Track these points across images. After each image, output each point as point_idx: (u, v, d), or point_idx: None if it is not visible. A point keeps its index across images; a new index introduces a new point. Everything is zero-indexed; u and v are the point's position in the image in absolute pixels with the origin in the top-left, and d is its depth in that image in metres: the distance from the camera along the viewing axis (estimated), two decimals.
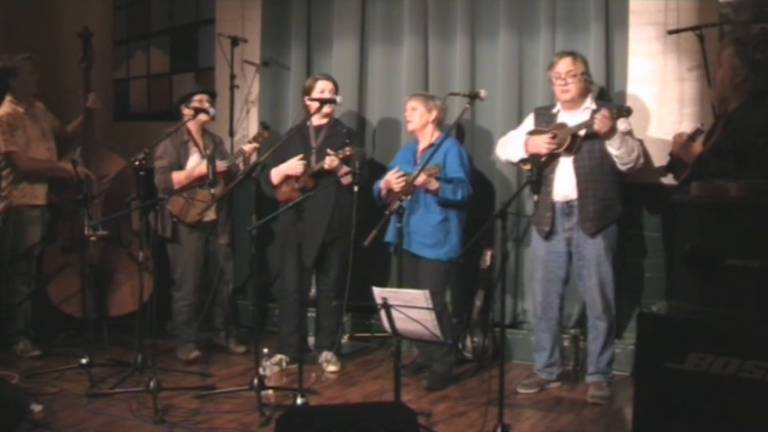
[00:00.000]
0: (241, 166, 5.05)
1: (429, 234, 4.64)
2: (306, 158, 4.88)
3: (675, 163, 4.51)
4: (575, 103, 4.46)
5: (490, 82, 5.12)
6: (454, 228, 4.66)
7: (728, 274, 2.79)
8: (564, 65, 4.42)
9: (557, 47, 4.96)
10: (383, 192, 4.75)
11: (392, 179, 4.63)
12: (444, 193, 4.55)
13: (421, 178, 4.38)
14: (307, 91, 4.99)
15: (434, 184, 4.51)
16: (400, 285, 4.14)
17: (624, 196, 4.54)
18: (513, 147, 4.61)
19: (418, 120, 4.77)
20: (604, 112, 4.23)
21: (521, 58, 5.15)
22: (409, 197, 4.23)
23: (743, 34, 4.37)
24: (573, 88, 4.41)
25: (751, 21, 4.49)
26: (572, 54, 4.47)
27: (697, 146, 4.05)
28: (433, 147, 4.53)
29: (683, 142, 4.32)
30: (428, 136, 4.77)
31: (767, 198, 2.90)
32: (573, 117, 4.44)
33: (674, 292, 3.04)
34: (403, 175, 4.57)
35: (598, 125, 4.24)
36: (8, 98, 5.19)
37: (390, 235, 4.69)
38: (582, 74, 4.43)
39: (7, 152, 5.08)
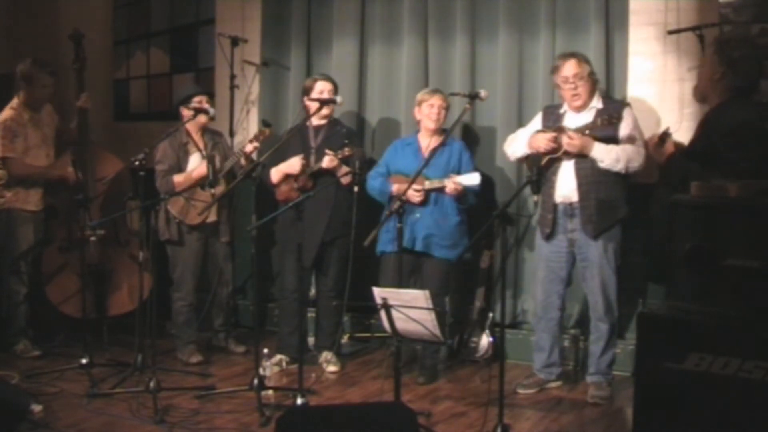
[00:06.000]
0: (243, 162, 5.05)
1: (448, 236, 4.68)
2: (305, 158, 4.89)
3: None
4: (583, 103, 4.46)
5: (490, 82, 5.12)
6: (466, 228, 4.73)
7: (728, 274, 2.79)
8: (570, 68, 4.38)
9: (557, 47, 4.96)
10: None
11: (412, 193, 4.55)
12: (469, 200, 4.69)
13: (453, 187, 4.51)
14: (306, 92, 4.98)
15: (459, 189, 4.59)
16: (400, 285, 4.15)
17: (628, 197, 4.50)
18: (518, 142, 4.63)
19: (443, 118, 4.76)
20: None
21: (521, 58, 5.15)
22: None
23: (729, 33, 4.33)
24: (582, 91, 4.39)
25: (751, 21, 4.49)
26: (575, 55, 4.43)
27: (669, 147, 4.02)
28: (446, 148, 4.62)
29: (654, 144, 4.26)
30: (438, 134, 4.75)
31: (767, 198, 2.90)
32: (579, 117, 4.43)
33: (674, 292, 3.04)
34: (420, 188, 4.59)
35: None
36: (15, 101, 5.16)
37: (383, 244, 4.71)
38: (589, 75, 4.40)
39: (3, 157, 5.07)
